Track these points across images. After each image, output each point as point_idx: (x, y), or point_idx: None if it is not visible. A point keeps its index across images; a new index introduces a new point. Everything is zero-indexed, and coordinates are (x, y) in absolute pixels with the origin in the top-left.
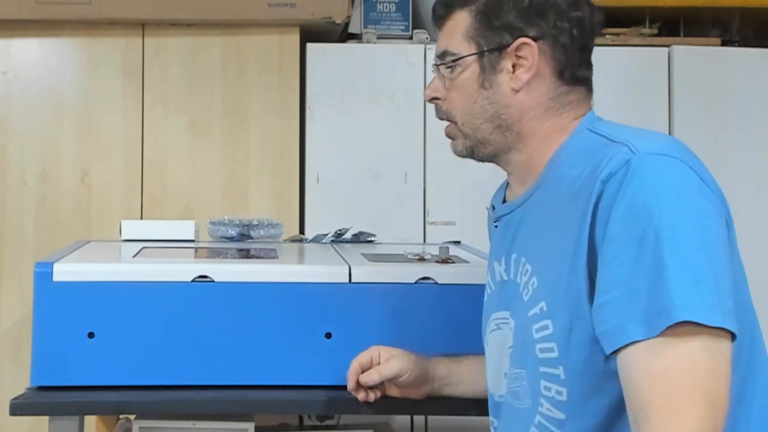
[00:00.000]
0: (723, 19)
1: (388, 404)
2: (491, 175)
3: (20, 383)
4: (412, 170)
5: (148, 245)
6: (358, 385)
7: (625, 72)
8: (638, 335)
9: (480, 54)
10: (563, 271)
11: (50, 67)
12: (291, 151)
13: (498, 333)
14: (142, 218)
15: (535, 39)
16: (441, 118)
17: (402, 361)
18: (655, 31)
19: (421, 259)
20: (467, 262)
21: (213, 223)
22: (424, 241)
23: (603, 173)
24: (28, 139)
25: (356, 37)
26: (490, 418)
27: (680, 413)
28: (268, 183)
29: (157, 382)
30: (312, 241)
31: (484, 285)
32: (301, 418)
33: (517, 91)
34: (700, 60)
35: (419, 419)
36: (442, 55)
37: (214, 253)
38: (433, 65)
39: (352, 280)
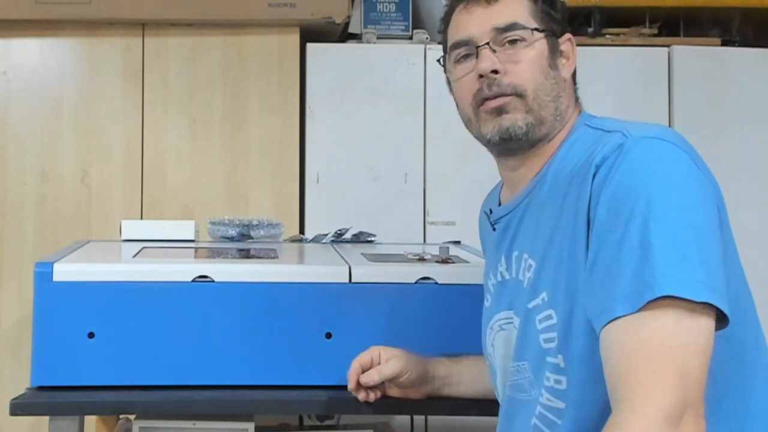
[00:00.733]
0: (723, 19)
1: (388, 404)
2: (491, 175)
3: (20, 383)
4: (412, 170)
5: (148, 245)
6: (359, 386)
7: (625, 72)
8: (620, 311)
9: (548, 34)
10: (563, 259)
11: (50, 67)
12: (291, 151)
13: (503, 334)
14: (142, 218)
15: None
16: (496, 95)
17: (402, 361)
18: (655, 31)
19: (421, 259)
20: (467, 262)
21: (213, 223)
22: (424, 241)
23: (597, 158)
24: (28, 139)
25: (356, 37)
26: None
27: (647, 386)
28: (268, 183)
29: (157, 382)
30: (312, 241)
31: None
32: (301, 418)
33: (565, 80)
34: (700, 60)
35: (419, 419)
36: (511, 27)
37: (214, 253)
38: (490, 38)
39: (352, 280)
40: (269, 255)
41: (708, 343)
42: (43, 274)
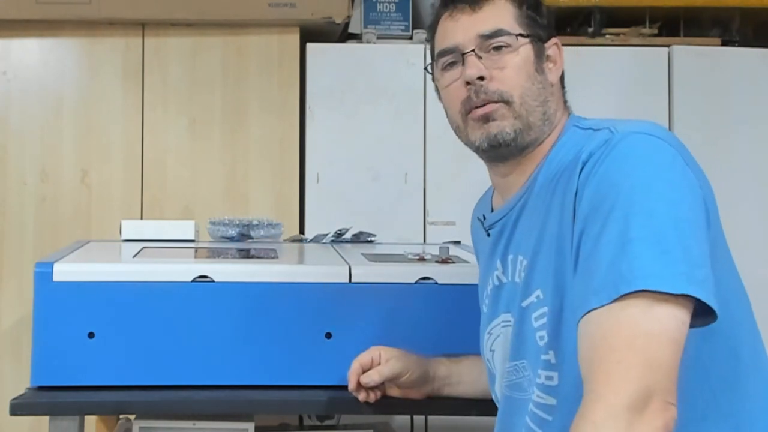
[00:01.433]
0: (723, 19)
1: (388, 404)
2: None
3: (20, 383)
4: (412, 170)
5: (148, 245)
6: (359, 386)
7: (625, 72)
8: (594, 303)
9: (533, 39)
10: (551, 255)
11: (50, 67)
12: (291, 151)
13: (501, 338)
14: (142, 218)
15: None
16: (483, 102)
17: (402, 361)
18: (655, 31)
19: (421, 259)
20: (467, 262)
21: (213, 223)
22: (424, 241)
23: (584, 154)
24: (28, 139)
25: (356, 37)
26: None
27: (610, 375)
28: (268, 183)
29: (157, 382)
30: (312, 241)
31: None
32: (301, 418)
33: (552, 84)
34: (700, 60)
35: (419, 419)
36: (496, 33)
37: (214, 253)
38: (476, 45)
39: (352, 280)
40: (269, 255)
41: (681, 332)
42: (43, 274)
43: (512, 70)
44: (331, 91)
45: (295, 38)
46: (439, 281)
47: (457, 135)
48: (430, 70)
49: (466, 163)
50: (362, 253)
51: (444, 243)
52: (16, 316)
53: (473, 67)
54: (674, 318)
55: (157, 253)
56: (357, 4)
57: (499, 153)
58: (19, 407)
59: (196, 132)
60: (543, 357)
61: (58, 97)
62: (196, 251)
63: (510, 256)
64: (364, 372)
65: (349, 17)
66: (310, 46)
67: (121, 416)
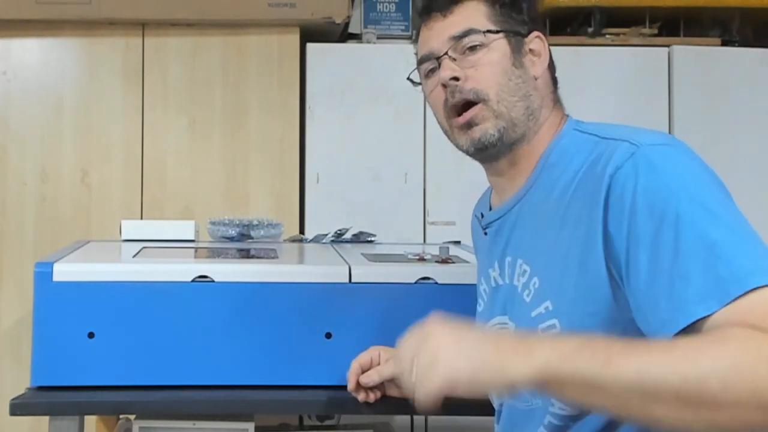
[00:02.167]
0: (723, 19)
1: (388, 404)
2: None
3: (20, 383)
4: (412, 170)
5: (148, 245)
6: (359, 386)
7: (625, 72)
8: (699, 312)
9: (508, 34)
10: (570, 269)
11: (50, 67)
12: (291, 151)
13: None
14: (142, 218)
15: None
16: (460, 102)
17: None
18: (655, 31)
19: (421, 259)
20: (467, 262)
21: (213, 223)
22: (424, 241)
23: (609, 167)
24: (28, 139)
25: (356, 37)
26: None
27: None
28: (268, 183)
29: (157, 382)
30: (312, 241)
31: None
32: (301, 418)
33: (536, 78)
34: (700, 60)
35: (419, 419)
36: (465, 33)
37: (214, 253)
38: (448, 48)
39: (352, 280)
40: (269, 255)
41: None
42: (43, 274)
43: (486, 68)
44: (331, 91)
45: (295, 38)
46: (439, 281)
47: (448, 138)
48: (415, 80)
49: (466, 163)
50: (362, 253)
51: (444, 243)
52: (16, 316)
53: (446, 69)
54: None
55: (157, 253)
56: (357, 4)
57: (487, 154)
58: (19, 407)
59: (196, 132)
60: None
61: (58, 97)
62: (196, 251)
63: (508, 259)
64: (363, 372)
65: (349, 17)
66: (310, 46)
67: (121, 416)
